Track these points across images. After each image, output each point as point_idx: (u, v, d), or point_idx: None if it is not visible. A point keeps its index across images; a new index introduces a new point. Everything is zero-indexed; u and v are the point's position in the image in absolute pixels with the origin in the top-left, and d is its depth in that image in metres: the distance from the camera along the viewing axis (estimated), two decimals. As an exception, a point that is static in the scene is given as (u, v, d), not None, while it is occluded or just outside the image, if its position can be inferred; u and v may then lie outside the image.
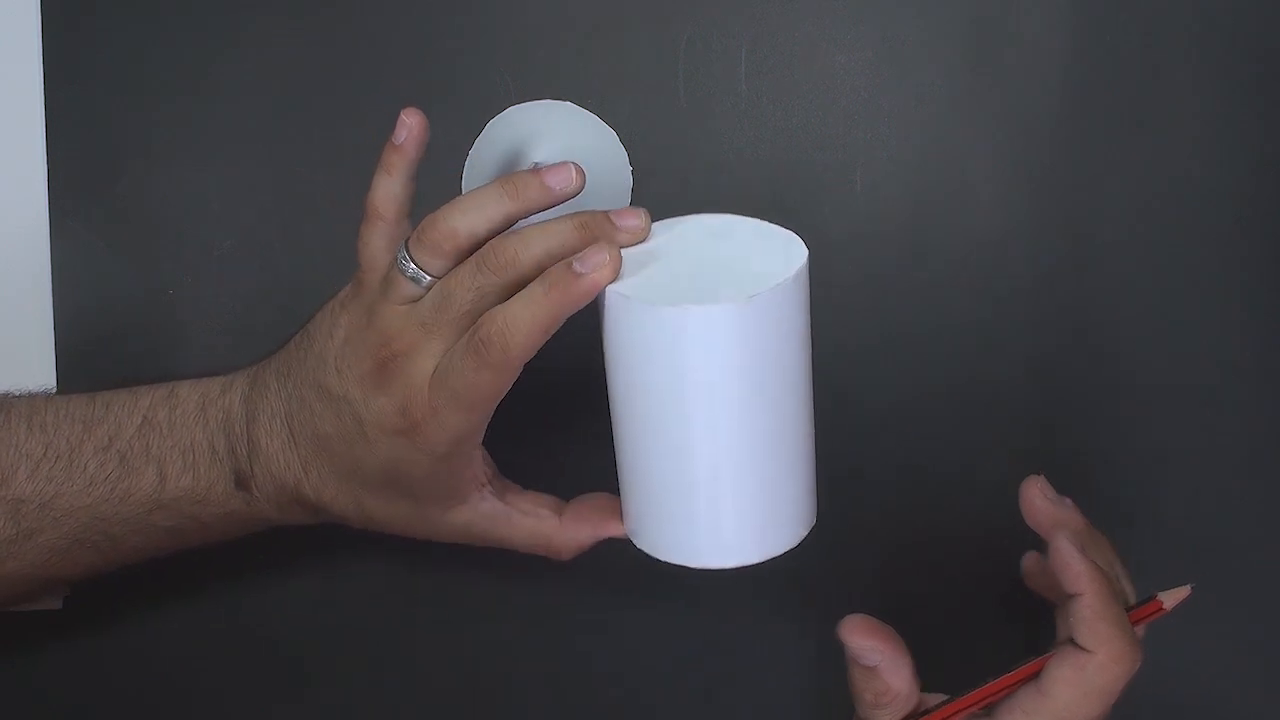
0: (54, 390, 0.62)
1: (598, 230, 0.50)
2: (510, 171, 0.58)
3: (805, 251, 0.48)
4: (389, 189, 0.53)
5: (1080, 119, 0.63)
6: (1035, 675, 0.50)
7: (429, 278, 0.51)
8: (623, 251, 0.49)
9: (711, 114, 0.63)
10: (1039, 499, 0.52)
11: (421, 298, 0.51)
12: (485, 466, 0.54)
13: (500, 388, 0.49)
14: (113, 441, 0.53)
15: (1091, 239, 0.62)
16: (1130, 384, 0.62)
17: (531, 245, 0.49)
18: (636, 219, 0.51)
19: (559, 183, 0.51)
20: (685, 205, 0.63)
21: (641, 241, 0.51)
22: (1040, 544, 0.52)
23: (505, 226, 0.51)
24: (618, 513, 0.53)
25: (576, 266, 0.48)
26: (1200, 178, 0.62)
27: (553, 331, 0.49)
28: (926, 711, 0.51)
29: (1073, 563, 0.49)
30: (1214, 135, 0.62)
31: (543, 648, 0.62)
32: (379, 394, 0.50)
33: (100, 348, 0.63)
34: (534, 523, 0.54)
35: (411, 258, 0.51)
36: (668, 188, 0.63)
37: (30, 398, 0.56)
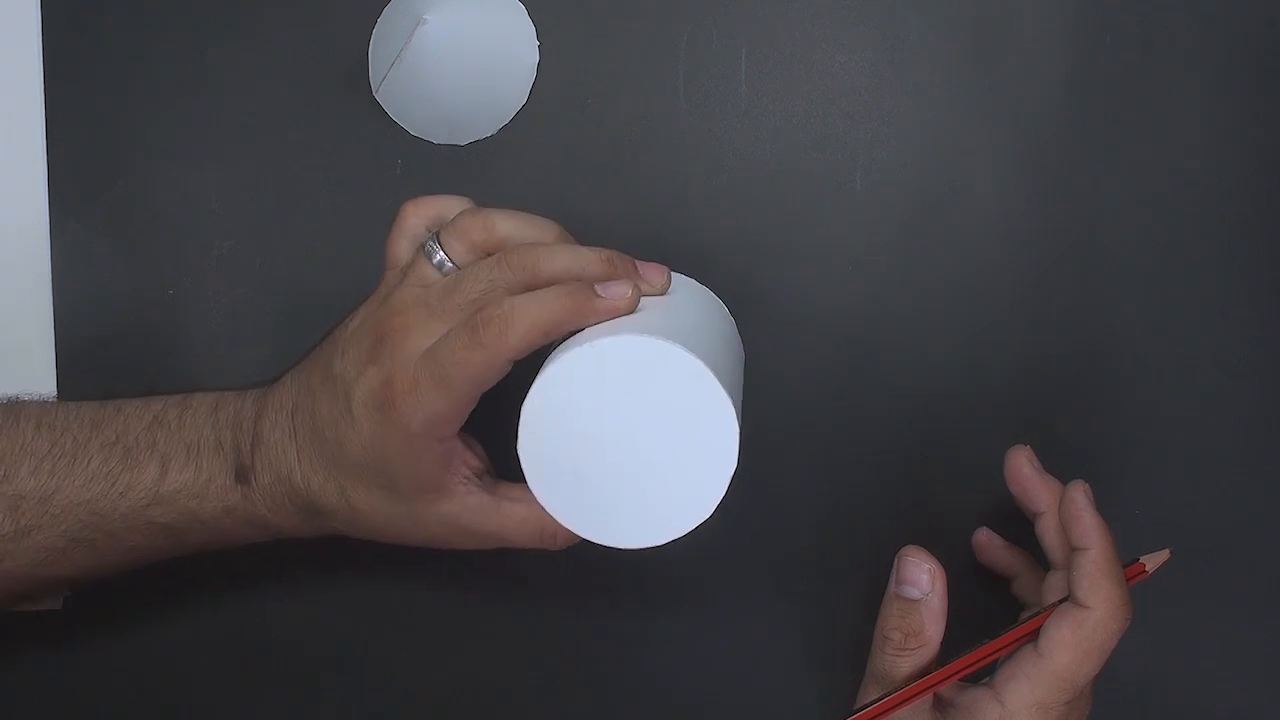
0: (54, 397, 0.62)
1: (623, 270, 0.51)
2: (409, 29, 0.60)
3: (733, 460, 0.47)
4: (438, 208, 0.54)
5: (1080, 119, 0.63)
6: (1032, 636, 0.51)
7: (450, 265, 0.52)
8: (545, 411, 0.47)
9: (711, 114, 0.63)
10: (1026, 467, 0.55)
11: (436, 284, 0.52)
12: (473, 459, 0.53)
13: (485, 374, 0.49)
14: (120, 438, 0.53)
15: (1091, 239, 0.62)
16: (1130, 384, 0.62)
17: (556, 259, 0.51)
18: (660, 277, 0.52)
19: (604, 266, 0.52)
20: (685, 205, 0.63)
21: (660, 294, 0.52)
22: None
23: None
24: None
25: (599, 289, 0.49)
26: (1200, 178, 0.62)
27: (549, 339, 0.49)
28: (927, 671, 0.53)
29: (1086, 515, 0.53)
30: (1214, 135, 0.62)
31: (542, 656, 0.62)
32: (370, 365, 0.51)
33: (100, 348, 0.63)
34: (524, 508, 0.53)
35: (440, 243, 0.52)
36: (668, 188, 0.63)
37: (42, 402, 0.56)
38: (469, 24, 0.61)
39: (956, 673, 0.52)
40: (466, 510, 0.53)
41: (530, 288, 0.50)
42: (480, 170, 0.63)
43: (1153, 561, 0.54)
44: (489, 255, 0.52)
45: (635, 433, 0.47)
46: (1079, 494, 0.53)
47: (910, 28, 0.63)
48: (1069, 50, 0.63)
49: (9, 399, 0.56)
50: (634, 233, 0.63)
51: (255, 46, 0.64)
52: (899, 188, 0.63)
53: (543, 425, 0.47)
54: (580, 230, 0.63)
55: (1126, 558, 0.54)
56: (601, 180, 0.63)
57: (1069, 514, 0.53)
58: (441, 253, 0.52)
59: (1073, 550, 0.53)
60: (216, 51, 0.64)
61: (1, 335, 0.63)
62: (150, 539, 0.54)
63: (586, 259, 0.51)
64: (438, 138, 0.63)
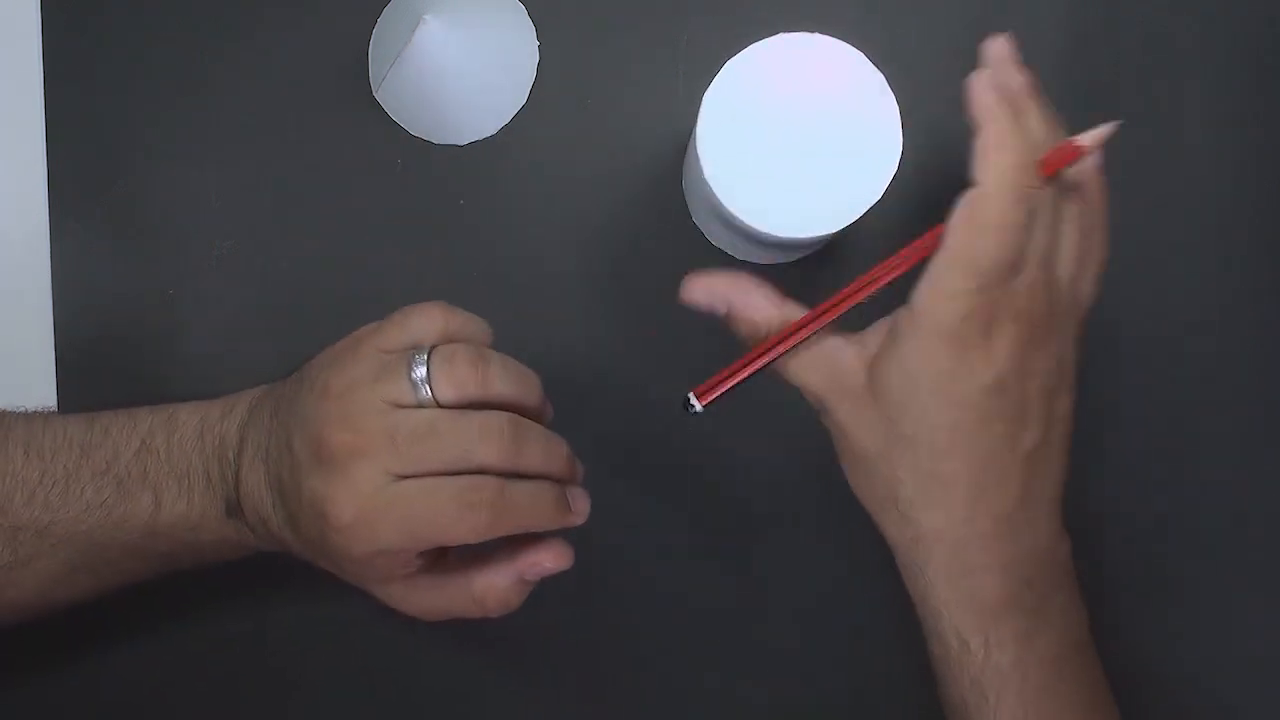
0: (54, 397, 0.62)
1: (579, 475, 0.53)
2: (409, 29, 0.60)
3: (899, 147, 0.53)
4: (460, 327, 0.52)
5: (1080, 119, 0.63)
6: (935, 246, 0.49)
7: (430, 398, 0.49)
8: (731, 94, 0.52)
9: (711, 114, 0.63)
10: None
11: (408, 408, 0.49)
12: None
13: (454, 543, 0.50)
14: (110, 467, 0.53)
15: (1091, 239, 0.62)
16: (1130, 384, 0.62)
17: (534, 457, 0.50)
18: (585, 505, 0.52)
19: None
20: (685, 205, 0.63)
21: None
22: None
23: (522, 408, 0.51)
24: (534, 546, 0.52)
25: (572, 504, 0.51)
26: (1200, 178, 0.62)
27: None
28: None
29: (980, 96, 0.49)
30: (1214, 135, 0.62)
31: (542, 657, 0.62)
32: (318, 474, 0.49)
33: (100, 348, 0.63)
34: (467, 580, 0.52)
35: (430, 373, 0.49)
36: (668, 188, 0.63)
37: (28, 420, 0.55)
38: (469, 24, 0.61)
39: (857, 292, 0.51)
40: (413, 591, 0.52)
41: (495, 468, 0.49)
42: (480, 170, 0.63)
43: (1091, 138, 0.50)
44: (471, 405, 0.50)
45: (808, 126, 0.52)
46: (976, 78, 0.49)
47: (910, 28, 0.63)
48: (1069, 50, 0.63)
49: None
50: (633, 233, 0.63)
51: (255, 46, 0.64)
52: (899, 187, 0.63)
53: (722, 113, 0.52)
54: (578, 231, 0.63)
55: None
56: (601, 180, 0.63)
57: (967, 98, 0.49)
58: (427, 385, 0.49)
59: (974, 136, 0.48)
60: (216, 51, 0.64)
61: (1, 335, 0.63)
62: (149, 565, 0.55)
63: (558, 463, 0.51)
64: (438, 138, 0.63)
